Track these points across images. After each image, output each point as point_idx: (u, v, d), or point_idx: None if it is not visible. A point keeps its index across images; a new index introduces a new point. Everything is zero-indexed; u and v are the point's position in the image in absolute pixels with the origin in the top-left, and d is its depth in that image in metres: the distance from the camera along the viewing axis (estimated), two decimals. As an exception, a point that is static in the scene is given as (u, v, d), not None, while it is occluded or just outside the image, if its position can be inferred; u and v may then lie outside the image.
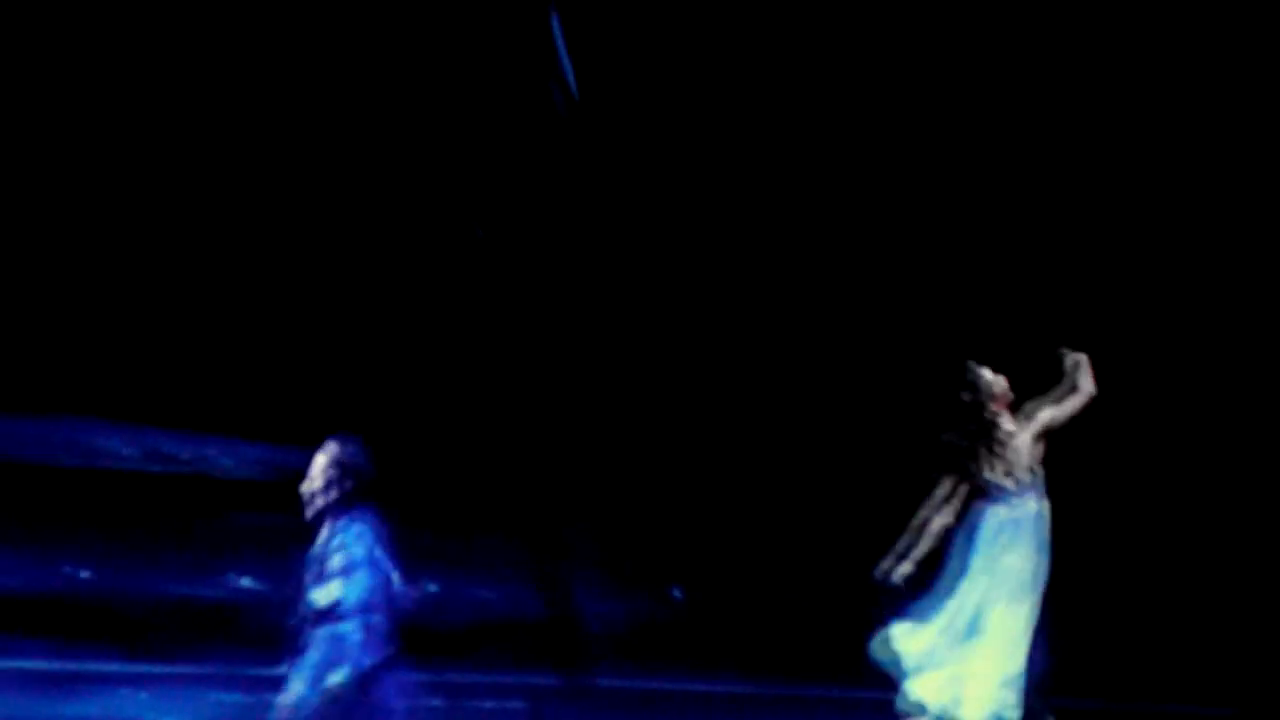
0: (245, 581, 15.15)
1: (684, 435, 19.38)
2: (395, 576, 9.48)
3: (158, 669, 13.81)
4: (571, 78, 20.68)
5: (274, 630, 13.39)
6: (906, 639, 11.47)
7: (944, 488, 11.50)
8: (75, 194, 20.23)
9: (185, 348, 17.49)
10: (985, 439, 11.45)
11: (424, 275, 20.68)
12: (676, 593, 15.16)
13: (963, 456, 11.46)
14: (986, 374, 11.61)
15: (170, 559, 15.23)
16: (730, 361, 21.59)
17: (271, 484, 16.41)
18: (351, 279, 19.85)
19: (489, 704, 13.98)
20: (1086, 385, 11.47)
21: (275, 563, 15.04)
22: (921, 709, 11.58)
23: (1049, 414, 11.35)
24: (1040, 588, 11.50)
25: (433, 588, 14.49)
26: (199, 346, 17.50)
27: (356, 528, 9.49)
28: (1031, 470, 11.51)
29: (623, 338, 21.08)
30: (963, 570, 11.40)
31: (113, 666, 13.87)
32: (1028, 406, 11.54)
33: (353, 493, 9.64)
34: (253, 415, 17.38)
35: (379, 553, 9.43)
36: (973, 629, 11.44)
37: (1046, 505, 11.56)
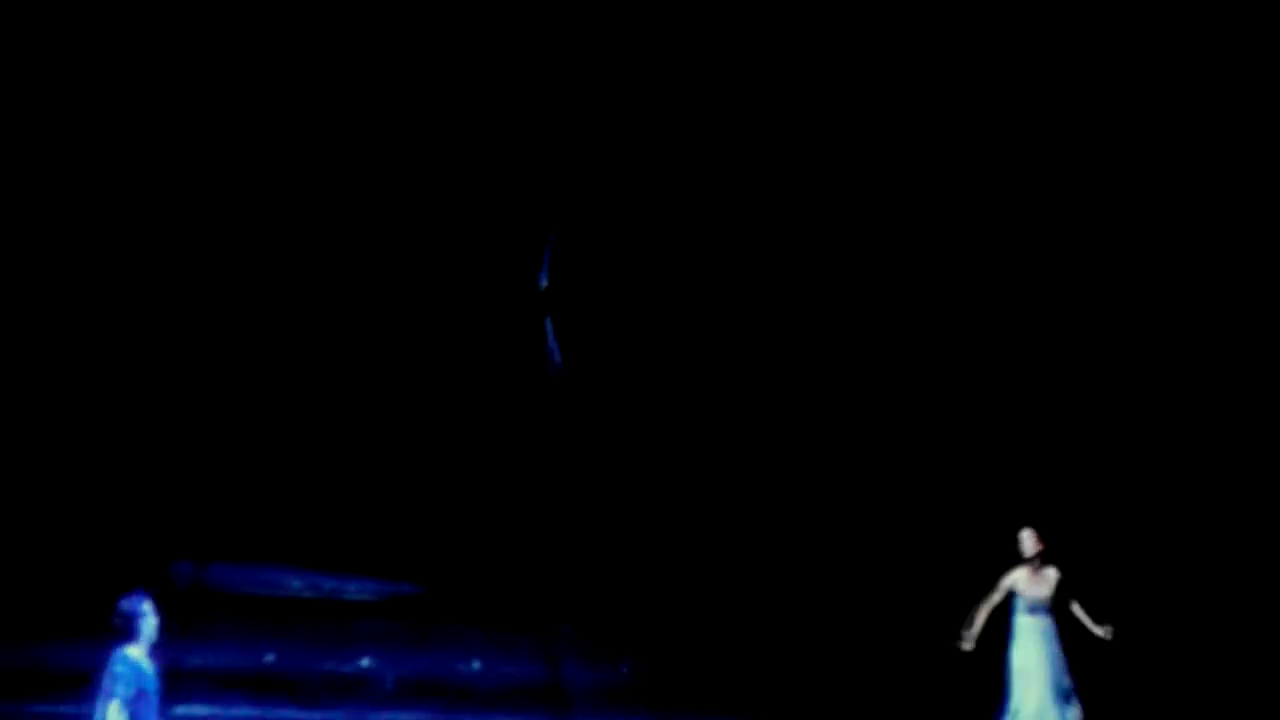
0: (365, 662, 22.52)
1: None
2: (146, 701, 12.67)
3: (313, 714, 20.64)
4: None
5: (385, 691, 20.92)
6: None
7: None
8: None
9: (328, 521, 25.39)
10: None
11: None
12: (624, 667, 22.08)
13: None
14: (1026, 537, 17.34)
15: (323, 648, 22.75)
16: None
17: (380, 603, 24.67)
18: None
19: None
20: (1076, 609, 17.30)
21: (383, 650, 22.84)
22: None
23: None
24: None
25: (477, 664, 22.17)
26: (338, 519, 25.36)
27: (119, 663, 12.80)
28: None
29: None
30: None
31: (286, 714, 20.60)
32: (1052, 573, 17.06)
33: (120, 633, 12.94)
34: (367, 560, 25.34)
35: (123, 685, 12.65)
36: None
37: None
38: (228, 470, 25.99)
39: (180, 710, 20.12)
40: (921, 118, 26.00)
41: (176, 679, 19.97)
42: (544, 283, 25.94)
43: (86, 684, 20.30)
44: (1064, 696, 17.20)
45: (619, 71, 26.11)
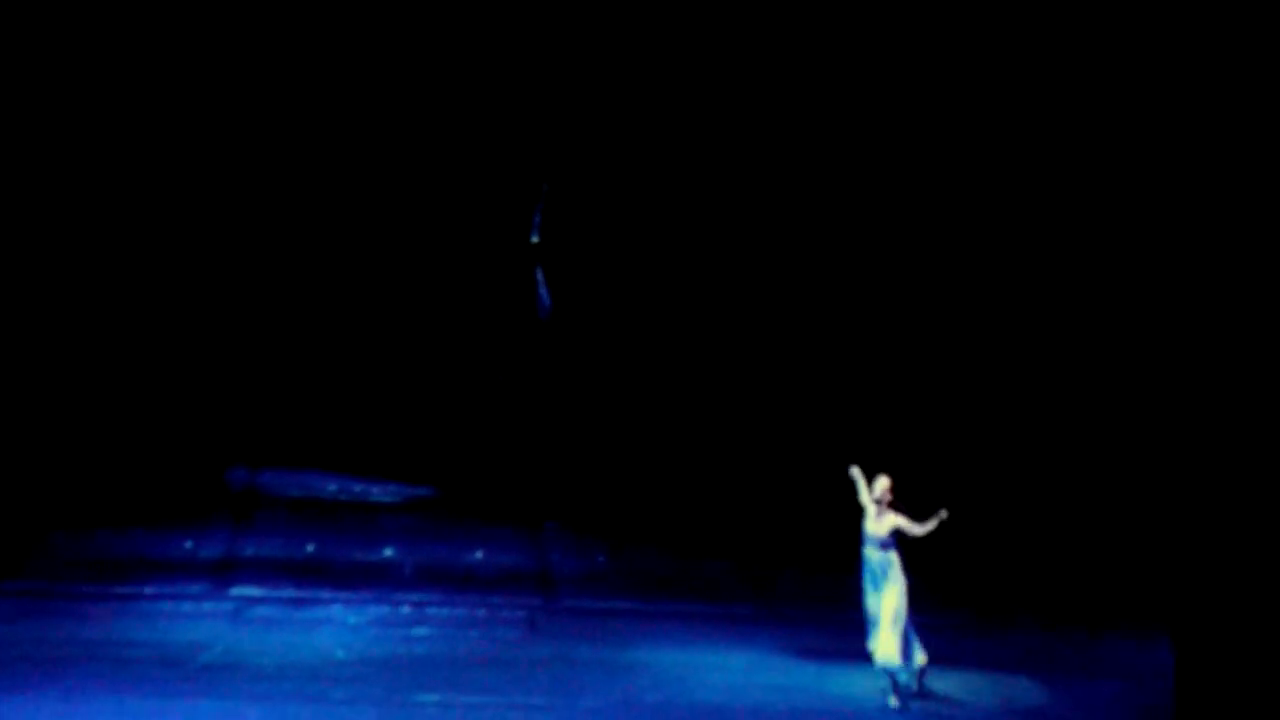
0: (388, 552, 24.44)
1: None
2: None
3: (343, 596, 21.87)
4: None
5: (401, 578, 23.12)
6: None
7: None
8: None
9: (359, 434, 28.26)
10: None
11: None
12: (600, 557, 24.19)
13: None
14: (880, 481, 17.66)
15: (353, 540, 24.86)
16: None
17: (401, 503, 27.42)
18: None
19: (506, 613, 21.43)
20: (917, 531, 17.59)
21: (403, 542, 24.86)
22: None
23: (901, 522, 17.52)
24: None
25: (480, 554, 24.22)
26: (367, 433, 28.19)
27: None
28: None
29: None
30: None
31: (324, 595, 21.99)
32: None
33: None
34: (391, 467, 28.19)
35: None
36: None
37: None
38: (277, 391, 28.25)
39: (235, 591, 22.20)
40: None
41: (233, 566, 23.30)
42: (535, 237, 28.58)
43: (153, 569, 23.27)
44: (903, 637, 17.63)
45: (608, 30, 26.98)
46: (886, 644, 17.49)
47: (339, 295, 28.43)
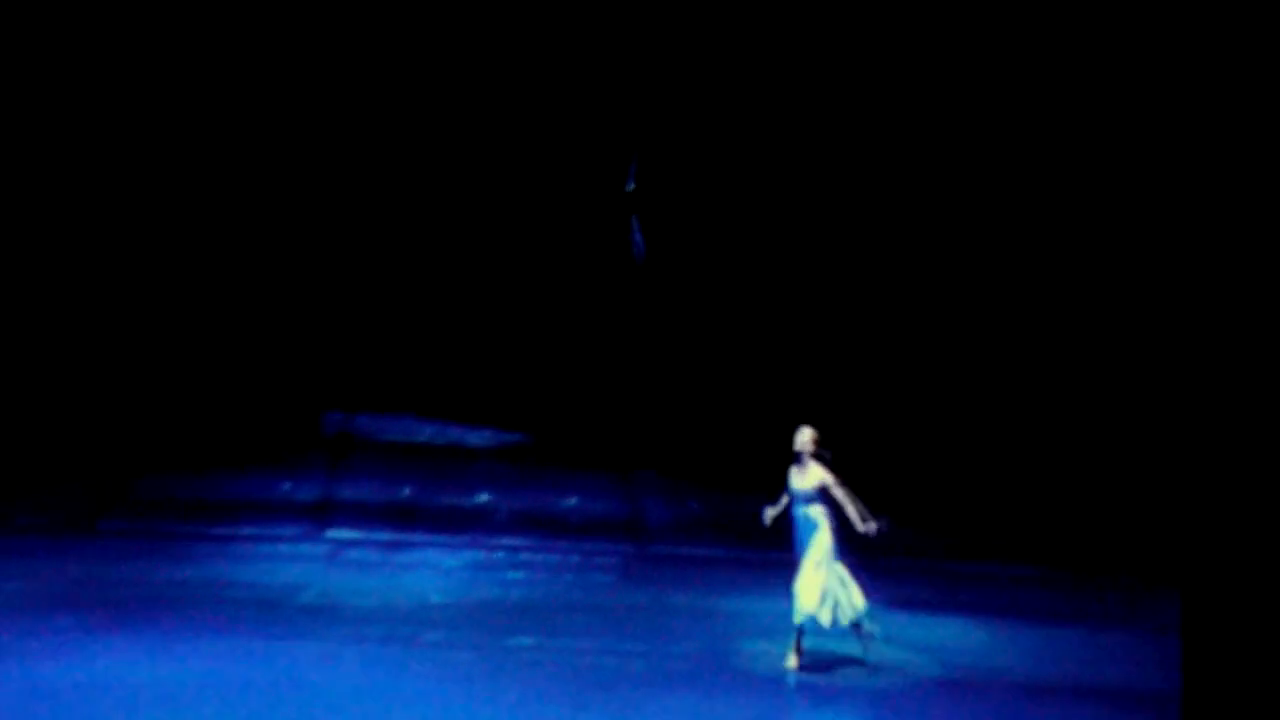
0: (483, 496, 24.64)
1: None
2: None
3: (438, 540, 22.14)
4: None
5: (496, 523, 23.31)
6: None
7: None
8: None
9: (454, 380, 28.33)
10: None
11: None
12: (693, 504, 24.67)
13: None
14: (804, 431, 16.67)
15: (447, 484, 25.12)
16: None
17: (495, 449, 27.65)
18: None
19: (599, 559, 21.60)
20: (840, 496, 16.60)
21: (497, 488, 25.04)
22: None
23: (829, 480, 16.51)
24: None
25: (573, 500, 24.38)
26: (462, 379, 28.29)
27: None
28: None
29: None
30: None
31: (419, 539, 22.25)
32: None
33: None
34: (485, 413, 28.38)
35: None
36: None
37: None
38: (373, 335, 28.48)
39: (332, 533, 22.44)
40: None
41: (329, 509, 23.59)
42: (631, 186, 28.65)
43: (250, 511, 23.58)
44: (828, 593, 16.77)
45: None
46: (805, 594, 16.74)
47: (437, 240, 28.54)
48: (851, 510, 16.58)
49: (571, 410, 27.77)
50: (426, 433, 27.88)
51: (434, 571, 20.81)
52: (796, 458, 16.83)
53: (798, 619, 16.81)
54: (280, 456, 25.63)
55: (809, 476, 16.76)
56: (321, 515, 23.39)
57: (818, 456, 16.79)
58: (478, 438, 27.75)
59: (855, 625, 17.01)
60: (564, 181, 28.37)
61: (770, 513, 17.06)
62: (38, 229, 27.46)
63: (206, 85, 27.62)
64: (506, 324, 28.59)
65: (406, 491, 24.63)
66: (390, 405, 28.23)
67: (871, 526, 16.53)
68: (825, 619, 16.78)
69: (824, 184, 27.26)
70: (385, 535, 22.45)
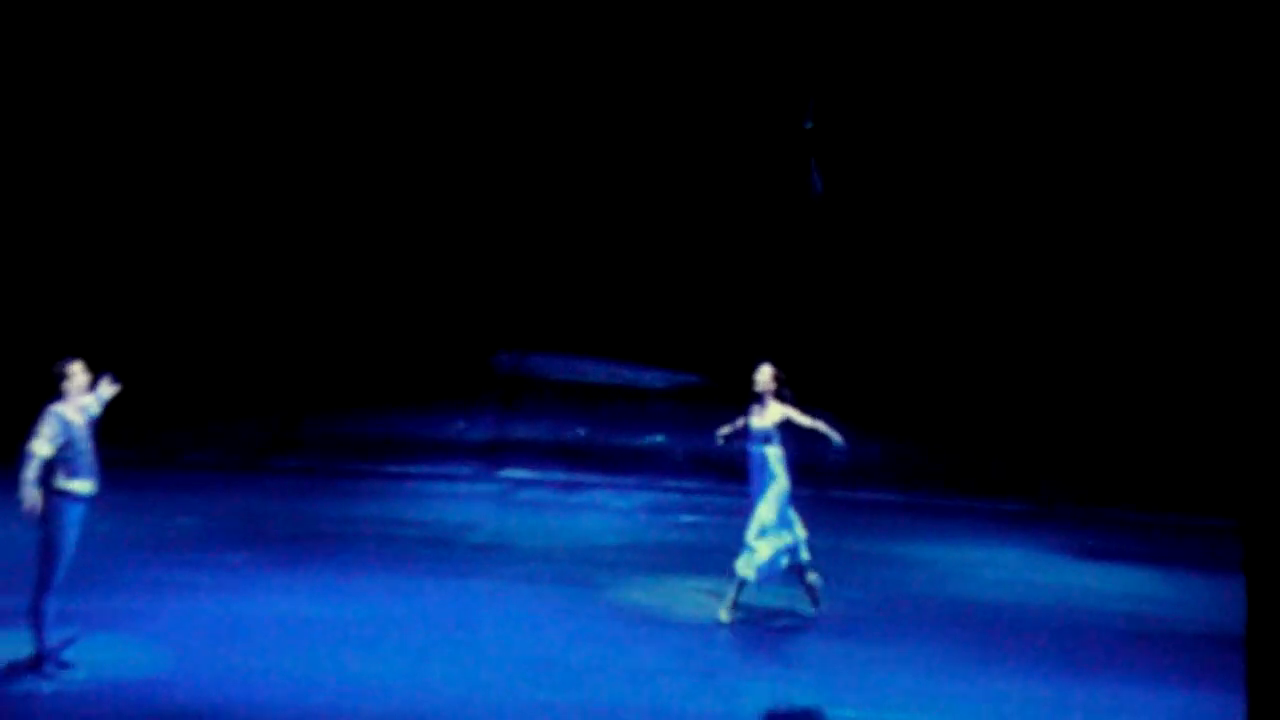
0: (658, 438, 25.17)
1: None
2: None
3: (611, 481, 22.59)
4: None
5: (669, 464, 23.25)
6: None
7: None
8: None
9: (628, 320, 28.46)
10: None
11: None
12: (874, 449, 24.25)
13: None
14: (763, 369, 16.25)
15: (621, 425, 25.52)
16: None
17: (669, 390, 27.93)
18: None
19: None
20: (805, 422, 16.11)
21: (671, 429, 25.45)
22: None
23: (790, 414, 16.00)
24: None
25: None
26: (636, 320, 28.38)
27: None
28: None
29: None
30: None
31: (592, 479, 22.71)
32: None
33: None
34: (658, 354, 28.44)
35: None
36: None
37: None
38: (547, 277, 28.81)
39: (506, 473, 22.81)
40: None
41: (501, 448, 23.91)
42: (809, 124, 28.62)
43: (423, 450, 23.80)
44: (760, 531, 16.28)
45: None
46: (760, 552, 16.17)
47: (613, 180, 28.52)
48: (823, 429, 16.25)
49: (746, 351, 27.44)
50: (600, 373, 27.88)
51: (606, 512, 20.92)
52: (758, 397, 16.48)
53: (744, 574, 16.31)
54: (453, 395, 25.69)
55: (768, 415, 16.39)
56: (494, 455, 23.53)
57: (778, 395, 16.45)
58: (652, 378, 27.98)
59: (800, 571, 16.52)
60: (742, 120, 28.11)
61: (723, 431, 16.68)
62: (221, 165, 28.07)
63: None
64: (682, 264, 28.48)
65: (579, 432, 24.75)
66: (563, 345, 28.30)
67: (840, 441, 16.21)
68: (810, 577, 16.42)
69: (1003, 124, 27.15)
70: (558, 475, 22.59)
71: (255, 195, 28.02)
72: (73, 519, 13.78)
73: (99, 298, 26.69)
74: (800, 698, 13.71)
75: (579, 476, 22.65)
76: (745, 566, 16.18)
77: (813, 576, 16.37)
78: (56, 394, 13.84)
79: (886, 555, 19.31)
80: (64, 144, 27.24)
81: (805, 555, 16.32)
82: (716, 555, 18.62)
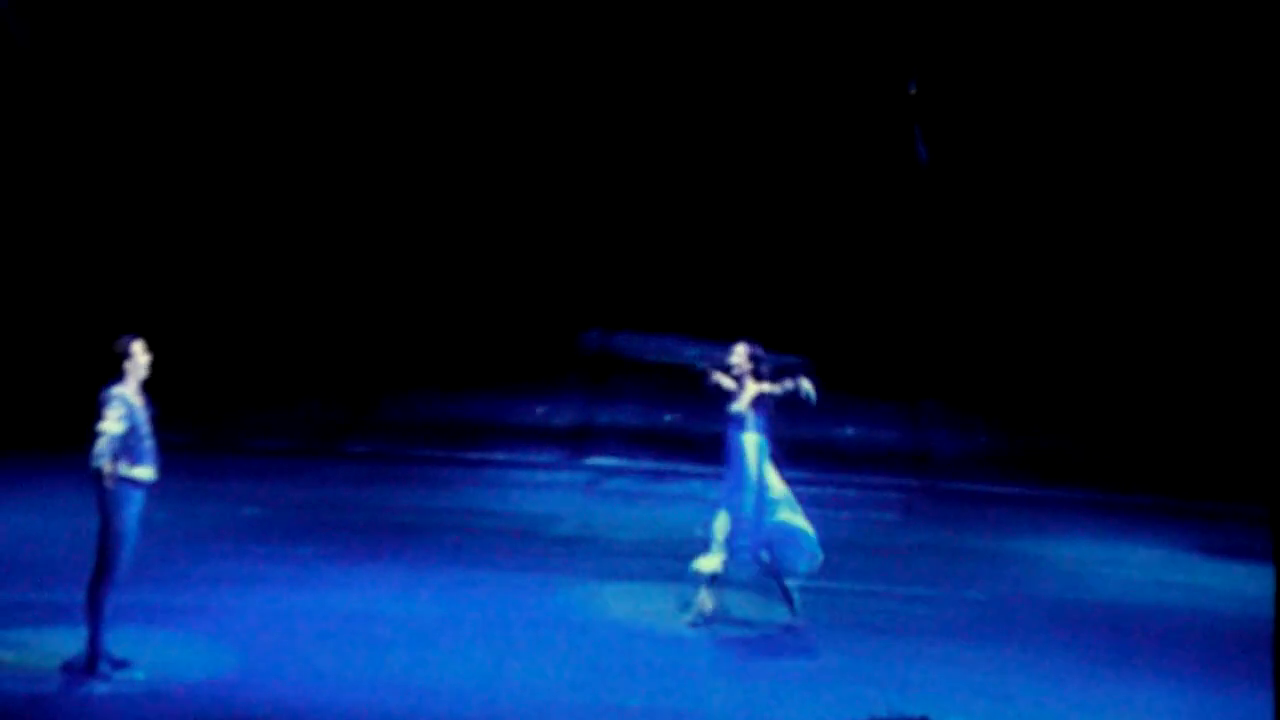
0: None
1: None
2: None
3: (705, 469, 20.34)
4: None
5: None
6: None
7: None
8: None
9: (720, 295, 28.32)
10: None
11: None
12: (983, 437, 24.21)
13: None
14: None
15: (713, 410, 24.52)
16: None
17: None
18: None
19: (879, 495, 21.71)
20: (777, 389, 15.82)
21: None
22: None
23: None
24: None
25: (850, 430, 24.53)
26: (724, 294, 28.26)
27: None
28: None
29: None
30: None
31: (684, 468, 22.26)
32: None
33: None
34: (754, 333, 28.05)
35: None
36: None
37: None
38: (636, 250, 28.55)
39: (592, 460, 22.83)
40: None
41: (587, 434, 23.85)
42: (913, 88, 28.29)
43: (504, 435, 23.75)
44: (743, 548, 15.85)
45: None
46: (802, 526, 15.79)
47: (706, 149, 28.51)
48: (793, 386, 15.97)
49: (850, 331, 27.34)
50: (691, 353, 27.71)
51: (700, 504, 20.31)
52: (737, 379, 16.11)
53: (706, 569, 15.78)
54: (536, 376, 25.70)
55: (745, 397, 15.98)
56: (580, 441, 23.60)
57: (756, 374, 16.05)
58: None
59: (775, 574, 15.98)
60: (842, 85, 28.04)
61: (708, 368, 16.42)
62: (290, 127, 28.28)
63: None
64: (780, 238, 28.36)
65: (670, 417, 24.69)
66: (655, 323, 28.20)
67: (805, 385, 15.92)
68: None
69: (1116, 85, 26.90)
70: (648, 464, 22.56)
71: (326, 158, 28.17)
72: (133, 508, 13.75)
73: (156, 268, 26.86)
74: (921, 705, 13.53)
75: (671, 465, 22.55)
76: (708, 562, 15.74)
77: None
78: (116, 374, 13.80)
79: (1007, 553, 19.16)
80: (120, 114, 27.51)
81: (764, 555, 15.85)
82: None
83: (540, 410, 24.63)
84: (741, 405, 15.93)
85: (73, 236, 26.58)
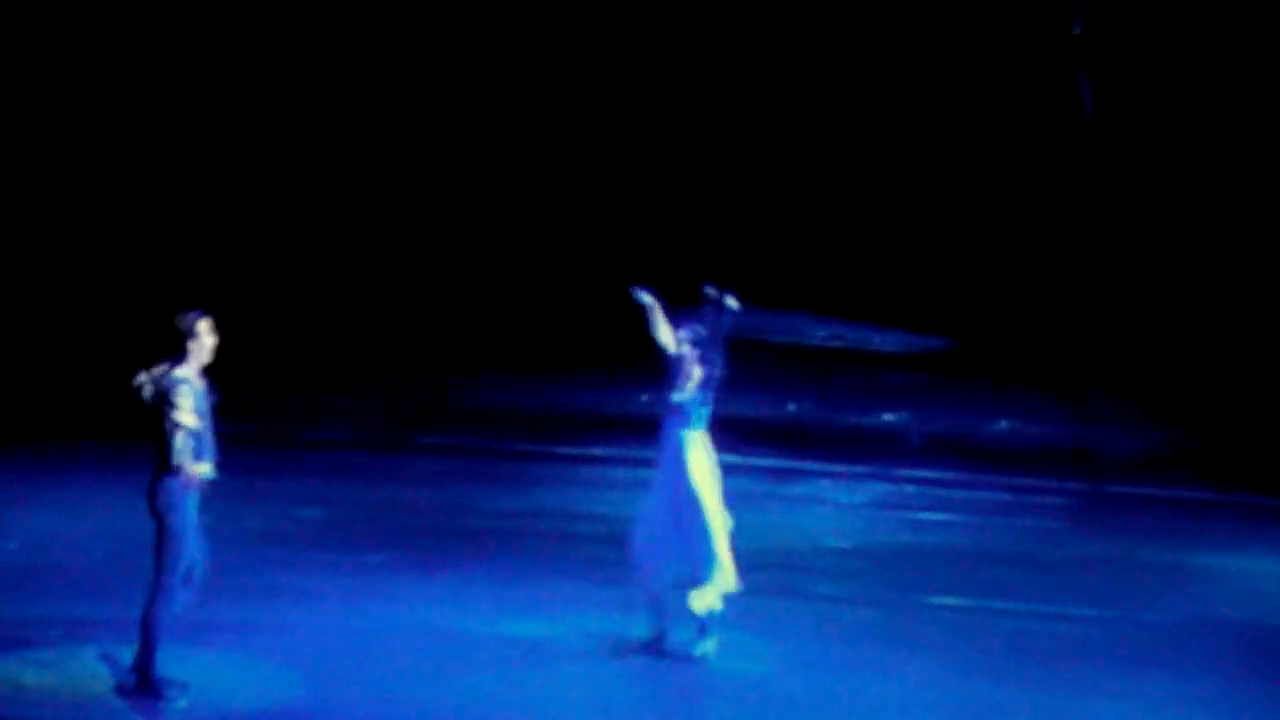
0: (888, 415, 25.12)
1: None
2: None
3: (835, 467, 22.39)
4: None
5: (908, 449, 23.31)
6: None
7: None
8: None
9: (855, 269, 28.48)
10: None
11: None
12: (1157, 435, 24.35)
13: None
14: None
15: (845, 400, 25.62)
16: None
17: (907, 356, 27.80)
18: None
19: (1039, 499, 21.68)
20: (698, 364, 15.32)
21: (908, 405, 25.42)
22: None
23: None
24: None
25: (1004, 424, 24.54)
26: (865, 268, 28.38)
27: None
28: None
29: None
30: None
31: (811, 466, 22.52)
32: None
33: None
34: (894, 312, 28.35)
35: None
36: None
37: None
38: (754, 216, 28.92)
39: None
40: None
41: None
42: (1078, 29, 28.24)
43: (602, 427, 23.75)
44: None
45: None
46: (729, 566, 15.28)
47: (840, 98, 28.59)
48: (713, 294, 15.83)
49: (1005, 310, 27.77)
50: (820, 334, 28.06)
51: (829, 508, 20.98)
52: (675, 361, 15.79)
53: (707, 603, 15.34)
54: (639, 360, 25.86)
55: (690, 384, 15.65)
56: None
57: (702, 360, 15.68)
58: (886, 341, 28.04)
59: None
60: (996, 27, 28.09)
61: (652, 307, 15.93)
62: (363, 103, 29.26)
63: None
64: (925, 201, 28.43)
65: (793, 407, 24.90)
66: (776, 299, 28.39)
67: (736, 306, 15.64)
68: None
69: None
70: (768, 460, 22.56)
71: (401, 127, 29.08)
72: (191, 507, 13.90)
73: (210, 247, 27.46)
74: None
75: (795, 462, 22.65)
76: (704, 597, 15.27)
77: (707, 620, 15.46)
78: (176, 355, 13.89)
79: (1188, 568, 19.09)
80: (182, 93, 28.73)
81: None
82: (967, 565, 18.76)
83: (644, 399, 24.83)
84: (686, 395, 15.66)
85: (126, 216, 27.65)
